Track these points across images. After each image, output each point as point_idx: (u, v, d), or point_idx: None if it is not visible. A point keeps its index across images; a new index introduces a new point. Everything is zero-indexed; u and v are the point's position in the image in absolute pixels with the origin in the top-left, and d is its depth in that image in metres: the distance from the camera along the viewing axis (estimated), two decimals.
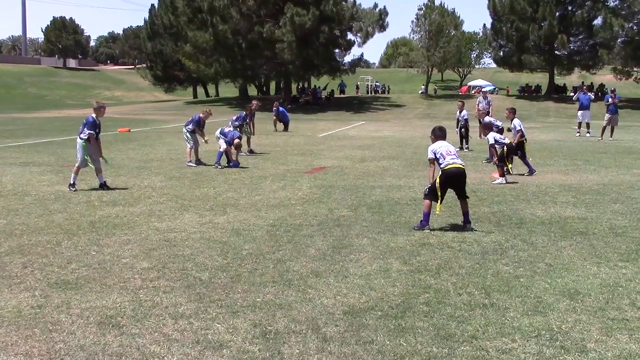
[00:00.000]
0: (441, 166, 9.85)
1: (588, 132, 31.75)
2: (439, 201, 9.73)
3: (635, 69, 62.66)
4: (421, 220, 9.95)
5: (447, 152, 9.95)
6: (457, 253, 8.45)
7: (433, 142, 10.30)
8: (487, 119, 19.46)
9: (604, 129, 29.88)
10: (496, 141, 15.72)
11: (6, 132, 31.08)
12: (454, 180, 9.85)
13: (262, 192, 13.52)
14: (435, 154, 10.03)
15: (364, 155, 21.26)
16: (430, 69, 77.77)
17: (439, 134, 10.35)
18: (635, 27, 61.59)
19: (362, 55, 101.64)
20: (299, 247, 8.73)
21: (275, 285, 7.01)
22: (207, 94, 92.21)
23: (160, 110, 61.14)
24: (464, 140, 23.25)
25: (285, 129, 34.57)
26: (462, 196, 9.99)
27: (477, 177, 15.68)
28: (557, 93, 67.70)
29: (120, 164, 18.00)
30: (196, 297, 6.61)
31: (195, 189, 13.88)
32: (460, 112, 23.38)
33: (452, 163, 9.79)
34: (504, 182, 14.90)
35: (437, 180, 9.74)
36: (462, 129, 23.18)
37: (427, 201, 9.85)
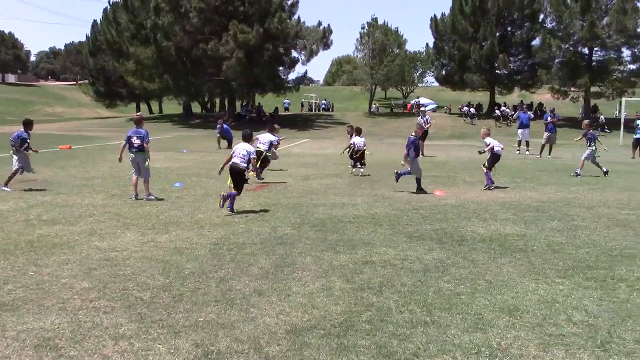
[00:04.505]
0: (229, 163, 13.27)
1: (527, 150, 32.42)
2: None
3: (572, 88, 64.23)
4: (229, 205, 13.00)
5: (237, 153, 13.28)
6: (399, 271, 8.51)
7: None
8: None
9: (542, 147, 30.62)
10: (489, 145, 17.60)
11: None
12: (232, 174, 13.15)
13: (205, 210, 13.44)
14: (233, 150, 13.51)
15: (307, 172, 21.31)
16: (374, 87, 78.40)
17: (244, 135, 13.82)
18: (571, 48, 63.25)
19: (306, 72, 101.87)
20: (242, 265, 8.70)
21: (217, 304, 6.96)
22: (150, 111, 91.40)
23: (102, 127, 60.39)
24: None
25: (229, 146, 34.46)
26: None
27: (420, 195, 15.87)
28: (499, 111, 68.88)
29: (61, 182, 17.68)
30: (137, 317, 6.53)
31: (138, 207, 13.72)
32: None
33: (234, 163, 13.15)
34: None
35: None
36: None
37: (235, 190, 13.14)
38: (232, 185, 13.09)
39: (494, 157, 17.68)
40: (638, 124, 33.31)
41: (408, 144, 16.24)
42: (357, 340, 5.95)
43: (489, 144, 17.65)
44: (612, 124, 57.31)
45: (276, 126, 22.15)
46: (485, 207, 14.12)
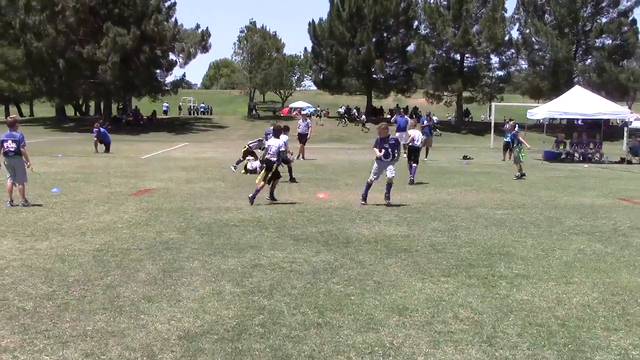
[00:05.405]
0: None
1: (405, 153, 33.17)
2: (263, 176, 15.15)
3: (445, 93, 66.40)
4: (254, 194, 14.75)
5: (269, 148, 15.21)
6: (288, 273, 8.55)
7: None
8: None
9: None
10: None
11: None
12: (267, 168, 15.04)
13: (86, 215, 13.05)
14: (267, 146, 15.59)
15: (188, 176, 21.06)
16: (252, 91, 78.46)
17: (273, 132, 15.59)
18: (444, 54, 65.51)
19: (184, 75, 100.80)
20: (129, 271, 8.51)
21: (105, 312, 6.78)
22: (20, 114, 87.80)
23: None
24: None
25: (107, 150, 33.70)
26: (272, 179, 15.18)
27: (303, 198, 15.99)
28: (375, 115, 70.27)
29: None
30: (20, 328, 6.27)
31: (13, 213, 13.16)
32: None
33: (268, 157, 15.11)
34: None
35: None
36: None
37: (263, 183, 14.95)
38: (259, 181, 15.17)
39: (410, 149, 21.59)
40: (507, 128, 34.77)
41: (376, 143, 15.35)
42: (251, 344, 5.94)
43: (410, 136, 21.47)
44: (484, 128, 59.56)
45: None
46: (369, 209, 14.39)
